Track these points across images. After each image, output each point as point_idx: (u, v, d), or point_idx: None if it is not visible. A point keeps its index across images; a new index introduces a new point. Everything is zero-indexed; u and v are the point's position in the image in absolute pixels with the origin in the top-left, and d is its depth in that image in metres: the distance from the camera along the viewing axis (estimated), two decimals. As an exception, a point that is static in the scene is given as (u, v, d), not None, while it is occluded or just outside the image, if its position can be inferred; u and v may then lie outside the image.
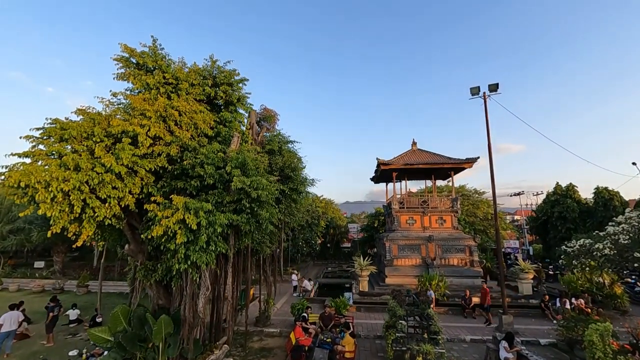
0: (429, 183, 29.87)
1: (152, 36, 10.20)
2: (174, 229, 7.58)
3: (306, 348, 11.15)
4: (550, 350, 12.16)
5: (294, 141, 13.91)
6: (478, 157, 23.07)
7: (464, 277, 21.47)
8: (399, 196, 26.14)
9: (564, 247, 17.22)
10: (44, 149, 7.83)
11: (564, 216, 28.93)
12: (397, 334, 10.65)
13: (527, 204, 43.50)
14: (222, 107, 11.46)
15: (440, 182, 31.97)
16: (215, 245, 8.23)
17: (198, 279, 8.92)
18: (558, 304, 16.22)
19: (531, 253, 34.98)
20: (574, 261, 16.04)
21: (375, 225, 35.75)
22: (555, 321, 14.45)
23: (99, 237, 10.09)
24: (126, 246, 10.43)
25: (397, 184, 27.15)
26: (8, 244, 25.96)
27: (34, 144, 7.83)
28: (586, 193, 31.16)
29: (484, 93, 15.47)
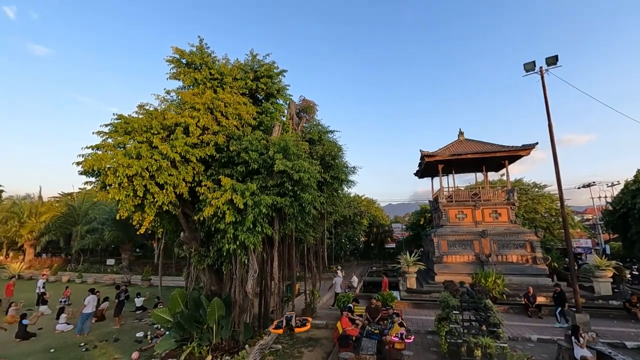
0: (479, 177, 27.88)
1: (199, 36, 11.04)
2: (223, 210, 7.99)
3: (353, 338, 10.95)
4: (639, 353, 10.45)
5: (334, 131, 13.95)
6: (536, 143, 20.99)
7: (526, 275, 19.51)
8: (446, 190, 24.76)
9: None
10: (112, 141, 8.81)
11: (650, 208, 24.87)
12: (450, 326, 9.98)
13: (599, 197, 38.33)
14: (263, 99, 11.91)
15: (492, 177, 29.65)
16: (261, 227, 8.50)
17: (246, 262, 9.27)
18: (647, 305, 13.94)
19: (608, 252, 30.64)
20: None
21: (421, 222, 34.25)
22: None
23: (158, 224, 11.02)
24: (181, 234, 11.25)
25: (444, 179, 25.77)
26: (86, 242, 29.64)
27: (103, 137, 8.86)
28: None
29: (541, 68, 14.06)
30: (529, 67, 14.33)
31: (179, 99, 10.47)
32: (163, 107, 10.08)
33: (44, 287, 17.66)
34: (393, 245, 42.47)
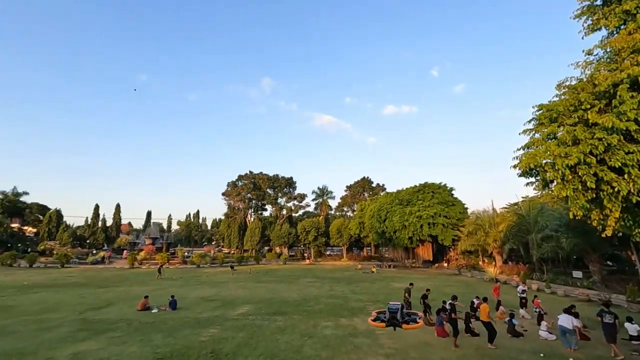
0: None
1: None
2: None
3: None
4: None
5: None
6: None
7: None
8: None
9: None
10: (539, 135, 8.79)
11: None
12: None
13: None
14: None
15: None
16: None
17: None
18: None
19: None
20: None
21: None
22: None
23: (631, 223, 8.82)
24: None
25: None
26: (543, 251, 30.86)
27: (529, 135, 9.11)
28: None
29: None
30: None
31: (609, 52, 8.35)
32: (587, 73, 8.55)
33: (523, 293, 19.93)
34: None
